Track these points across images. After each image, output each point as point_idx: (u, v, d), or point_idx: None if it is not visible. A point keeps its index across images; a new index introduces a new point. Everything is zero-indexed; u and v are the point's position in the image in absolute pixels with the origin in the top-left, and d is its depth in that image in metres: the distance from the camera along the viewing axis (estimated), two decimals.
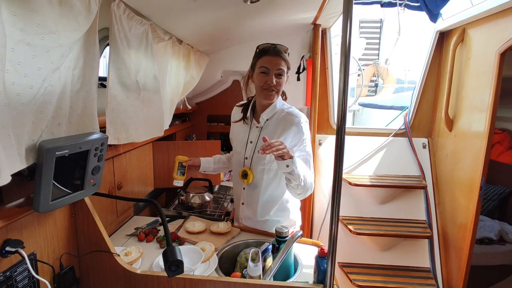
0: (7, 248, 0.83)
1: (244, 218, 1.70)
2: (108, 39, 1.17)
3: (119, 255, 1.17)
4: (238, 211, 1.73)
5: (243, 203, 1.68)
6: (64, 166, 0.91)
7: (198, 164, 1.70)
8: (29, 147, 0.82)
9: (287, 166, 1.32)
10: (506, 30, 1.74)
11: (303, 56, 2.64)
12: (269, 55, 1.48)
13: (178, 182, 1.66)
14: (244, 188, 1.66)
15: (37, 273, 0.94)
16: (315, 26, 2.45)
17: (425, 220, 2.44)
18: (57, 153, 0.85)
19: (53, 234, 1.06)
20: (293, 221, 1.69)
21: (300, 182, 1.39)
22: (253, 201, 1.64)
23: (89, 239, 1.16)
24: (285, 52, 1.52)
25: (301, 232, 1.30)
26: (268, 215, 1.64)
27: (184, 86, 2.10)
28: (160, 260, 1.33)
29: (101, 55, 1.47)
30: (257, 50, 1.55)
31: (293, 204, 1.69)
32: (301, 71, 2.65)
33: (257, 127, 1.59)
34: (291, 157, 1.31)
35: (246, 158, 1.60)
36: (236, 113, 1.72)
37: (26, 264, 0.88)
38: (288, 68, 1.53)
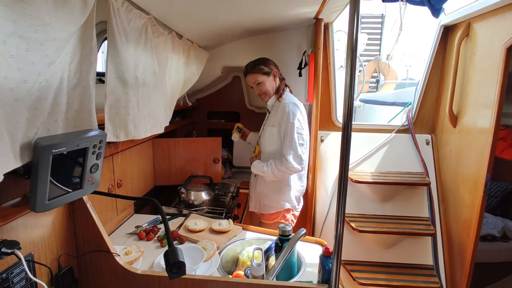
0: (3, 250, 0.80)
1: (256, 190, 2.14)
2: (106, 33, 1.13)
3: (119, 255, 1.14)
4: (252, 185, 2.22)
5: (255, 176, 2.16)
6: (62, 164, 0.88)
7: (248, 133, 2.40)
8: (24, 144, 0.79)
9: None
10: None
11: (305, 52, 2.60)
12: (246, 75, 2.08)
13: (235, 137, 2.33)
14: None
15: (34, 275, 0.92)
16: (318, 20, 2.40)
17: (429, 217, 2.41)
18: (53, 150, 0.82)
19: (51, 234, 1.03)
20: (290, 202, 2.09)
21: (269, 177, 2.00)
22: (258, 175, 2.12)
23: (88, 238, 1.13)
24: (254, 67, 2.03)
25: (304, 231, 1.28)
26: (274, 187, 2.06)
27: (184, 82, 2.07)
28: (161, 260, 1.31)
29: (99, 50, 1.43)
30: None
31: (294, 189, 2.10)
32: (303, 66, 2.61)
33: (267, 113, 2.18)
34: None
35: (259, 137, 2.18)
36: None
37: (23, 265, 0.85)
38: (266, 72, 2.02)
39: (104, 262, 1.13)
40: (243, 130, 2.36)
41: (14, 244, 0.83)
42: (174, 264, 0.84)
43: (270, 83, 2.03)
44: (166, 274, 0.92)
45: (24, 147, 0.79)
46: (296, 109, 1.95)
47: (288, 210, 2.09)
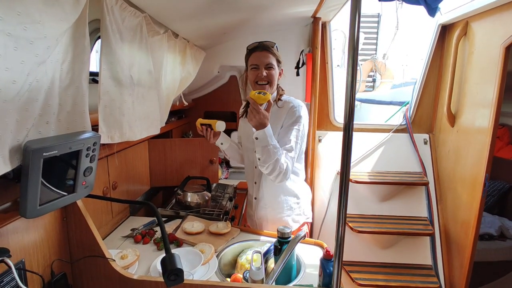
0: None
1: (258, 213, 1.77)
2: (100, 31, 1.10)
3: (114, 260, 1.11)
4: (251, 206, 1.82)
5: (255, 198, 1.76)
6: (54, 168, 0.84)
7: (219, 133, 1.71)
8: (13, 148, 0.75)
9: (256, 138, 1.43)
10: None
11: (302, 51, 2.58)
12: (257, 51, 1.59)
13: (222, 125, 1.65)
14: (255, 183, 1.73)
15: (25, 283, 0.88)
16: (315, 19, 2.38)
17: (427, 217, 2.41)
18: (44, 154, 0.78)
19: (43, 240, 0.99)
20: (304, 215, 1.77)
21: (263, 158, 1.46)
22: (264, 196, 1.72)
23: (82, 243, 1.09)
24: (272, 47, 1.61)
25: (304, 233, 1.26)
26: (281, 208, 1.72)
27: (181, 82, 2.03)
28: (157, 264, 1.28)
29: (92, 49, 1.39)
30: (247, 50, 1.65)
31: (305, 197, 1.79)
32: (300, 66, 2.59)
33: None
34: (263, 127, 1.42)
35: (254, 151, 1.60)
36: (242, 110, 1.83)
37: (13, 274, 0.81)
38: (279, 62, 1.63)
39: (99, 267, 1.10)
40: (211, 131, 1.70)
41: (4, 252, 0.79)
42: (172, 271, 0.81)
43: (276, 76, 1.62)
44: (163, 279, 0.89)
45: (14, 150, 0.75)
46: (307, 115, 1.64)
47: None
